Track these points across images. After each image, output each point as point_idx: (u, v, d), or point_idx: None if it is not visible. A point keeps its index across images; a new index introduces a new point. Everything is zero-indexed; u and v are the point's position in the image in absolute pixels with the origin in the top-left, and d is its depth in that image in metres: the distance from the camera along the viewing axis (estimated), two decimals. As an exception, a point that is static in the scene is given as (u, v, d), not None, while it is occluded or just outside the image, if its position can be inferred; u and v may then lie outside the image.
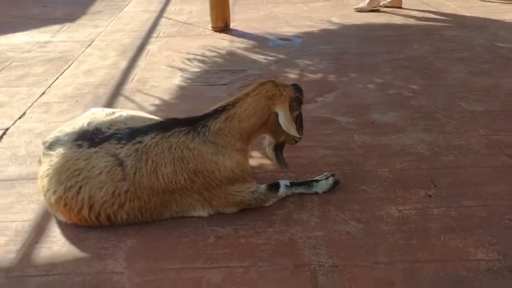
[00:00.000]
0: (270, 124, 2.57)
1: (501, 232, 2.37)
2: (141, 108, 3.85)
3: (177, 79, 4.51)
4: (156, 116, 2.99)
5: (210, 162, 2.41)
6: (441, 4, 6.88)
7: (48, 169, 2.48)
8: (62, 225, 2.52)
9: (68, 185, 2.40)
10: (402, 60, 4.75)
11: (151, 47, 5.47)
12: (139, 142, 2.43)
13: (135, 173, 2.39)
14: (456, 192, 2.68)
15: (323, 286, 2.09)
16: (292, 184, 2.67)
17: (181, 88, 4.32)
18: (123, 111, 2.77)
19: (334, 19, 6.39)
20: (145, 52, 5.29)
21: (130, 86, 4.38)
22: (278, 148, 2.73)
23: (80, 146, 2.48)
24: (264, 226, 2.49)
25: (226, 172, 2.43)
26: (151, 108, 3.86)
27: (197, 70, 4.72)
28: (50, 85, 4.42)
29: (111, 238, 2.43)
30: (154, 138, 2.43)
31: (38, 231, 2.51)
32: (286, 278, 2.15)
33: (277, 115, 2.52)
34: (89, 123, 2.61)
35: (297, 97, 2.59)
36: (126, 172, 2.39)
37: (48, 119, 3.76)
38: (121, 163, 2.40)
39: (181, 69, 4.75)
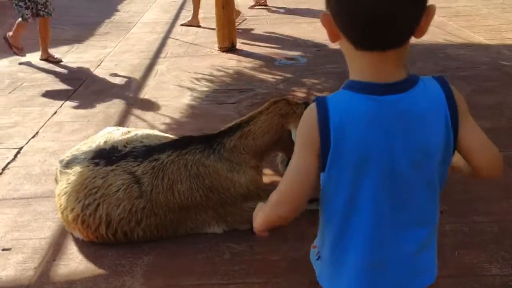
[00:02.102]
0: (283, 142, 2.61)
1: (514, 247, 2.40)
2: (152, 126, 3.91)
3: (186, 98, 4.57)
4: (168, 134, 3.03)
5: (226, 179, 2.46)
6: (444, 24, 6.98)
7: (66, 187, 2.52)
8: (79, 243, 2.56)
9: (86, 203, 2.44)
10: (407, 79, 4.81)
11: (160, 67, 5.55)
12: (156, 159, 2.48)
13: (151, 190, 2.43)
14: (468, 208, 2.71)
15: (340, 301, 2.11)
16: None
17: (190, 107, 4.39)
18: (138, 130, 2.83)
19: (339, 39, 6.47)
20: (153, 72, 5.37)
21: (140, 105, 4.44)
22: (291, 165, 2.77)
23: (97, 164, 2.52)
24: (278, 242, 2.52)
25: (241, 189, 2.47)
26: (162, 127, 3.91)
27: (206, 89, 4.79)
28: (62, 105, 4.49)
29: (128, 255, 2.46)
30: (171, 155, 2.48)
31: (56, 249, 2.54)
32: (302, 294, 2.18)
33: (290, 132, 2.56)
34: (105, 142, 2.66)
35: (309, 115, 2.63)
36: (143, 189, 2.43)
37: (61, 138, 3.81)
38: (138, 181, 2.45)
39: (190, 89, 4.82)
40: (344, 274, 1.24)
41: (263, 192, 2.61)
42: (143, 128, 3.63)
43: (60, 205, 2.53)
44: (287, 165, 2.73)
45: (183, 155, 2.47)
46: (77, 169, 2.55)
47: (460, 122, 1.13)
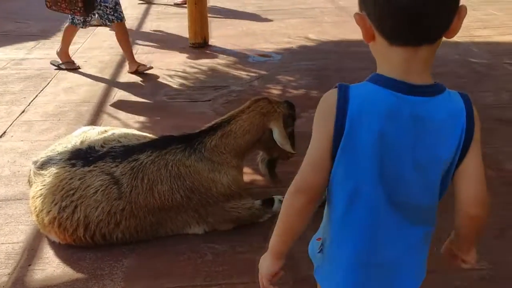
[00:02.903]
0: (264, 141, 2.60)
1: (490, 242, 2.45)
2: (126, 125, 3.82)
3: (159, 96, 4.50)
4: (146, 133, 2.97)
5: (207, 179, 2.42)
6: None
7: (41, 189, 2.44)
8: (55, 246, 2.48)
9: (63, 205, 2.37)
10: (380, 76, 4.87)
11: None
12: (135, 160, 2.43)
13: (131, 191, 2.38)
14: (442, 205, 2.75)
15: (324, 300, 2.11)
16: (286, 199, 2.69)
17: (164, 104, 4.32)
18: (115, 129, 2.76)
19: (311, 36, 6.51)
20: (125, 69, 5.26)
21: (112, 103, 4.34)
22: (272, 164, 2.76)
23: (73, 165, 2.45)
24: (260, 241, 2.49)
25: (223, 189, 2.45)
26: (136, 125, 3.83)
27: (179, 86, 4.73)
28: (30, 103, 4.34)
29: (107, 257, 2.40)
30: (150, 156, 2.43)
31: (30, 253, 2.45)
32: (287, 293, 2.17)
33: (271, 131, 2.55)
34: (81, 142, 2.59)
35: (290, 113, 2.63)
36: (122, 190, 2.38)
37: (31, 138, 3.69)
38: (116, 182, 2.39)
39: (163, 86, 4.75)
40: (339, 269, 1.24)
41: (244, 192, 2.60)
42: (117, 126, 3.56)
43: (35, 208, 2.45)
44: (267, 164, 2.74)
45: (163, 155, 2.43)
46: (52, 170, 2.47)
47: (470, 147, 1.14)
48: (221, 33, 6.59)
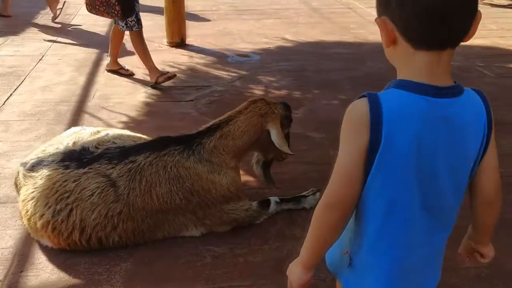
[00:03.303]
0: (261, 142, 2.59)
1: (482, 241, 2.52)
2: (109, 125, 3.74)
3: (141, 95, 4.42)
4: (137, 134, 2.91)
5: (207, 181, 2.39)
6: (386, 24, 7.23)
7: (33, 192, 2.35)
8: (47, 251, 2.40)
9: (57, 208, 2.29)
10: (360, 77, 4.95)
11: (108, 62, 5.31)
12: (132, 161, 2.37)
13: (128, 193, 2.33)
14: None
15: (327, 301, 2.12)
16: (282, 201, 2.70)
17: (147, 104, 4.24)
18: (108, 130, 2.69)
19: (288, 36, 6.54)
20: (102, 67, 5.14)
21: (92, 102, 4.23)
22: (267, 166, 2.75)
23: (67, 167, 2.37)
24: (259, 243, 2.50)
25: (223, 191, 2.42)
26: (120, 126, 3.75)
27: (161, 86, 4.65)
28: (5, 102, 4.19)
29: (103, 262, 2.34)
30: (148, 157, 2.38)
31: (21, 259, 2.36)
32: (290, 294, 2.17)
33: (268, 132, 2.54)
34: (74, 143, 2.51)
35: (287, 115, 2.63)
36: (119, 193, 2.32)
37: (10, 138, 3.55)
38: (113, 184, 2.33)
39: (143, 85, 4.66)
40: (378, 279, 1.24)
41: (242, 193, 2.58)
42: (100, 127, 3.47)
43: (27, 212, 2.36)
44: (263, 165, 2.73)
45: (162, 157, 2.38)
46: (44, 172, 2.38)
47: (490, 140, 1.18)
48: (197, 33, 6.53)
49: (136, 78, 4.85)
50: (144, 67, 4.73)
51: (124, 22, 4.52)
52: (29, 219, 2.35)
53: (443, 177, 1.15)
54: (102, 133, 2.60)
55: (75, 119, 3.89)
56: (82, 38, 6.25)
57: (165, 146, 2.43)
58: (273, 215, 2.68)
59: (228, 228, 2.54)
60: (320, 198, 1.19)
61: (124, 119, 3.93)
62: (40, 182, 2.36)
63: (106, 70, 4.97)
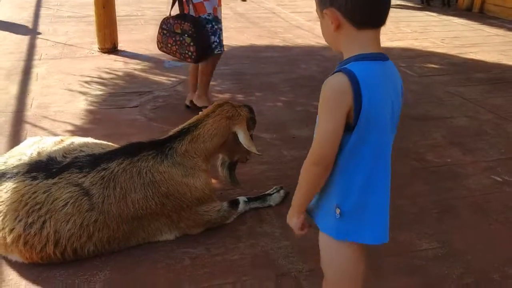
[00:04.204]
0: (228, 144, 2.66)
1: (433, 225, 2.78)
2: (55, 134, 3.60)
3: (81, 103, 4.30)
4: (103, 141, 2.85)
5: (181, 184, 2.42)
6: (312, 28, 7.56)
7: (-1, 206, 2.25)
8: (17, 266, 2.30)
9: (29, 221, 2.21)
10: (297, 79, 5.16)
11: (38, 70, 5.10)
12: (105, 169, 2.35)
13: (103, 201, 2.30)
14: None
15: (309, 290, 2.25)
16: (249, 200, 2.79)
17: (89, 112, 4.14)
18: (73, 138, 2.63)
19: (220, 41, 6.62)
20: (33, 75, 4.92)
21: (31, 112, 4.05)
22: (232, 167, 2.83)
23: (35, 178, 2.30)
24: (233, 242, 2.57)
25: (198, 193, 2.47)
26: (66, 135, 3.62)
27: (100, 93, 4.55)
28: None
29: (80, 273, 2.29)
30: (122, 163, 2.36)
31: (-11, 277, 2.25)
32: (273, 288, 2.27)
33: (235, 134, 2.62)
34: (39, 153, 2.43)
35: (252, 117, 2.73)
36: (94, 201, 2.29)
37: None
38: (86, 193, 2.29)
39: (82, 93, 4.53)
40: (378, 208, 1.50)
41: (214, 194, 2.64)
42: (45, 136, 3.34)
43: (-7, 227, 2.25)
44: (228, 167, 2.80)
45: (135, 162, 2.38)
46: (9, 185, 2.28)
47: None
48: (128, 38, 6.43)
49: (72, 86, 4.69)
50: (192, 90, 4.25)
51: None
52: (-4, 235, 2.25)
53: (392, 119, 1.46)
54: (67, 142, 2.53)
55: (16, 130, 3.71)
56: (4, 44, 5.92)
57: (137, 151, 2.42)
58: (242, 214, 2.76)
59: (201, 230, 2.58)
60: (308, 158, 1.46)
61: (69, 127, 3.81)
62: (5, 195, 2.27)
63: (188, 105, 4.25)
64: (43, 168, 2.33)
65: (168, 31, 3.86)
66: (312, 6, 9.28)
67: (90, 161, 2.37)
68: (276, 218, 2.77)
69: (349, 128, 1.39)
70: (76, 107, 4.20)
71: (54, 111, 4.10)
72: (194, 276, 2.31)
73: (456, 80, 5.36)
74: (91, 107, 4.23)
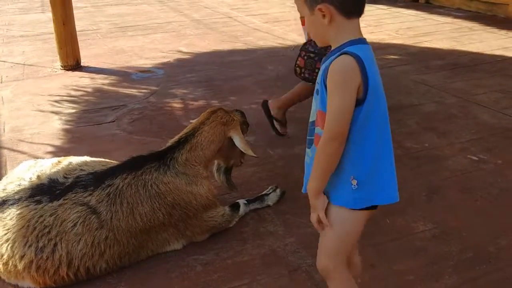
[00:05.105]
0: (224, 149, 2.71)
1: (425, 207, 2.92)
2: (36, 157, 3.51)
3: (56, 123, 4.22)
4: (98, 158, 2.83)
5: (186, 193, 2.45)
6: (270, 29, 7.68)
7: (6, 234, 2.21)
8: (29, 293, 2.27)
9: (39, 246, 2.18)
10: (267, 81, 5.25)
11: (3, 93, 4.95)
12: (109, 185, 2.35)
13: (111, 218, 2.30)
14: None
15: (322, 282, 2.32)
16: (249, 202, 2.85)
17: (67, 131, 4.07)
18: (69, 158, 2.60)
19: (183, 49, 6.63)
20: (4, 99, 4.78)
21: (6, 137, 3.95)
22: (228, 172, 2.88)
23: (39, 202, 2.27)
24: (240, 244, 2.62)
25: (202, 200, 2.50)
26: (49, 156, 3.56)
27: (73, 111, 4.48)
28: None
29: (94, 292, 2.28)
30: (126, 178, 2.37)
31: (2, 307, 2.21)
32: (288, 283, 2.33)
33: (230, 139, 2.67)
34: (38, 177, 2.40)
35: (244, 121, 2.79)
36: (102, 218, 2.29)
37: None
38: (94, 211, 2.29)
39: (54, 112, 4.45)
40: (389, 173, 1.64)
41: (217, 200, 2.68)
42: (26, 159, 3.28)
43: (1, 256, 2.20)
44: (225, 171, 2.85)
45: (139, 176, 2.39)
46: (13, 211, 2.25)
47: None
48: (88, 53, 6.33)
49: (43, 107, 4.59)
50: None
51: None
52: (5, 263, 2.20)
53: (383, 92, 1.62)
54: (65, 162, 2.51)
55: (-6, 156, 3.61)
56: (-39, 70, 5.71)
57: (139, 165, 2.43)
58: (242, 216, 2.81)
59: (207, 236, 2.62)
60: (324, 137, 1.57)
61: (50, 149, 3.74)
62: (11, 222, 2.23)
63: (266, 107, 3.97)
64: (46, 191, 2.31)
65: (317, 54, 3.47)
66: (266, 8, 9.43)
67: (94, 179, 2.37)
68: (277, 217, 2.84)
69: (358, 103, 1.53)
70: (52, 128, 4.12)
71: (29, 133, 4.01)
72: (209, 281, 2.34)
73: (417, 68, 5.60)
74: (68, 126, 4.16)
